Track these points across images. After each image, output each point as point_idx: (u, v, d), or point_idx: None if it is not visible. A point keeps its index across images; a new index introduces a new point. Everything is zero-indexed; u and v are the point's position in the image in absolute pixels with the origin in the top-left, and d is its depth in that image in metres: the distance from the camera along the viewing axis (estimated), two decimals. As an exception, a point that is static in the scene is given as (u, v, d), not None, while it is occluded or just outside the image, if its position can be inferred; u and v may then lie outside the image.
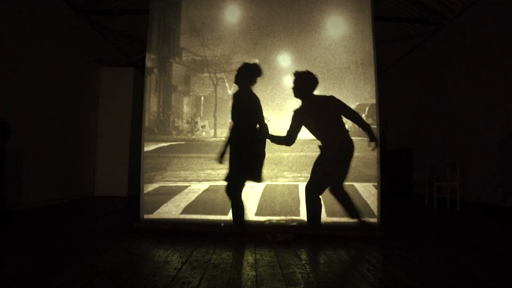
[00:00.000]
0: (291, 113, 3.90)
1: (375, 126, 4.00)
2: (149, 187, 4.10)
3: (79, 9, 6.78)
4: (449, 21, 7.20)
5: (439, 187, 6.46)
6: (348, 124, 4.04)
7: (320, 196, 3.82)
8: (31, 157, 5.45)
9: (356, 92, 4.08)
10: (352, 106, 4.07)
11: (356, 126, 4.01)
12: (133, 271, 2.45)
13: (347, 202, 3.78)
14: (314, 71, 3.99)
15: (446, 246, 3.36)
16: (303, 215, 3.89)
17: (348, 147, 3.82)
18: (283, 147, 3.95)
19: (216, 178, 4.05)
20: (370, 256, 2.92)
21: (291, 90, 3.94)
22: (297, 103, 4.03)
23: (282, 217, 3.93)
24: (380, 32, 8.35)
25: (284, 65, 4.17)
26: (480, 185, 6.21)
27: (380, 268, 2.60)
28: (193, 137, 4.22)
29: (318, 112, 3.88)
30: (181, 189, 4.09)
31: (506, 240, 3.79)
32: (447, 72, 7.37)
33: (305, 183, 3.88)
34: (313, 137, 3.95)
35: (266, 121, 4.18)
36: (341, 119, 3.87)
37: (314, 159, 3.96)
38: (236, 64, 4.14)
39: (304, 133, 4.07)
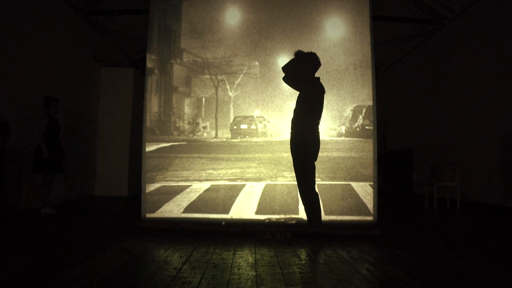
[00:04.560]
0: (290, 115, 3.91)
1: (372, 127, 4.03)
2: (151, 187, 4.13)
3: (79, 9, 6.78)
4: (449, 21, 7.20)
5: (439, 187, 6.46)
6: (345, 125, 4.05)
7: (317, 191, 3.78)
8: (31, 157, 5.45)
9: (354, 94, 4.11)
10: (350, 107, 4.10)
11: (353, 127, 4.02)
12: (133, 271, 2.45)
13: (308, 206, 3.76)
14: None
15: (446, 246, 3.36)
16: (301, 214, 3.92)
17: (293, 140, 3.75)
18: (283, 147, 3.97)
19: (217, 178, 4.08)
20: (370, 256, 2.92)
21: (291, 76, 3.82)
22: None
23: (282, 216, 3.96)
24: (380, 32, 8.36)
25: (284, 68, 4.19)
26: (480, 185, 6.21)
27: (380, 268, 2.60)
28: (195, 137, 4.25)
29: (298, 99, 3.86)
30: (182, 188, 4.12)
31: (506, 240, 3.80)
32: (447, 72, 7.37)
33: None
34: None
35: (266, 122, 4.20)
36: (302, 110, 3.76)
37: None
38: (236, 67, 4.18)
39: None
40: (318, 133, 3.77)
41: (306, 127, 3.73)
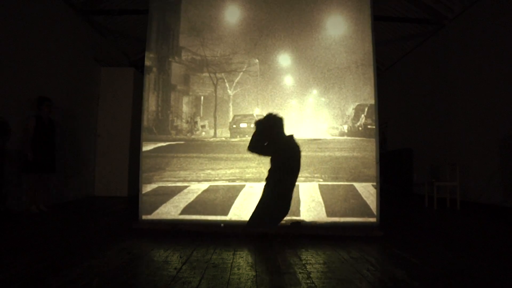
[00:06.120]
0: (291, 113, 3.90)
1: (374, 127, 4.00)
2: (148, 188, 4.09)
3: (79, 9, 6.78)
4: (449, 21, 7.20)
5: (439, 187, 6.46)
6: (347, 124, 4.05)
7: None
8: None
9: (356, 93, 4.08)
10: (352, 106, 4.08)
11: (355, 126, 4.01)
12: (133, 271, 2.45)
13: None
14: (314, 71, 4.01)
15: (446, 246, 3.36)
16: (303, 215, 3.89)
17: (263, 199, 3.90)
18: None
19: (216, 178, 4.04)
20: (370, 256, 2.92)
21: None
22: (297, 102, 4.04)
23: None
24: (380, 32, 8.35)
25: (284, 65, 4.17)
26: (480, 185, 6.21)
27: (380, 268, 2.60)
28: (193, 137, 4.21)
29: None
30: (180, 189, 4.08)
31: (506, 240, 3.79)
32: (447, 72, 7.37)
33: (305, 183, 3.89)
34: (312, 137, 3.96)
35: None
36: (277, 172, 3.87)
37: (314, 160, 3.97)
38: (236, 65, 4.16)
39: (304, 133, 4.08)
40: (290, 197, 3.84)
41: (278, 190, 3.82)
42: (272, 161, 3.86)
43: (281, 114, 3.95)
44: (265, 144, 3.80)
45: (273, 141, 3.80)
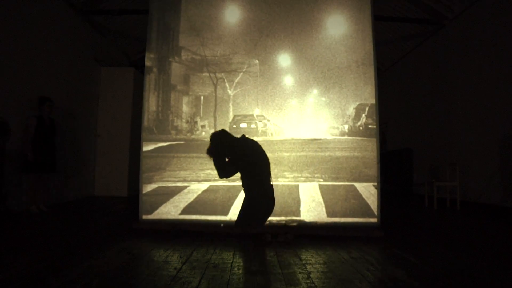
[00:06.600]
0: (292, 113, 3.90)
1: (375, 126, 4.00)
2: (148, 188, 4.09)
3: (79, 9, 6.78)
4: (449, 21, 7.20)
5: (439, 187, 6.46)
6: (348, 124, 4.05)
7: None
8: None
9: (356, 92, 4.07)
10: (353, 106, 4.08)
11: (356, 125, 4.01)
12: (133, 271, 2.45)
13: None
14: (314, 71, 4.02)
15: (446, 246, 3.36)
16: (303, 216, 3.89)
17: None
18: (284, 147, 3.95)
19: (216, 178, 4.03)
20: (370, 256, 2.92)
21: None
22: (298, 102, 4.04)
23: (283, 218, 3.91)
24: (380, 32, 8.35)
25: (284, 65, 4.17)
26: (480, 185, 6.21)
27: (380, 268, 2.60)
28: (193, 136, 4.22)
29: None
30: (180, 189, 4.08)
31: (506, 240, 3.79)
32: (447, 72, 7.37)
33: (306, 183, 3.89)
34: (313, 137, 3.95)
35: (266, 121, 4.18)
36: (243, 174, 3.73)
37: (314, 159, 3.96)
38: (236, 65, 4.15)
39: (305, 133, 4.08)
40: (267, 192, 3.67)
41: (252, 189, 3.66)
42: (241, 169, 3.72)
43: (221, 127, 3.90)
44: (227, 160, 3.68)
45: (232, 153, 3.67)
